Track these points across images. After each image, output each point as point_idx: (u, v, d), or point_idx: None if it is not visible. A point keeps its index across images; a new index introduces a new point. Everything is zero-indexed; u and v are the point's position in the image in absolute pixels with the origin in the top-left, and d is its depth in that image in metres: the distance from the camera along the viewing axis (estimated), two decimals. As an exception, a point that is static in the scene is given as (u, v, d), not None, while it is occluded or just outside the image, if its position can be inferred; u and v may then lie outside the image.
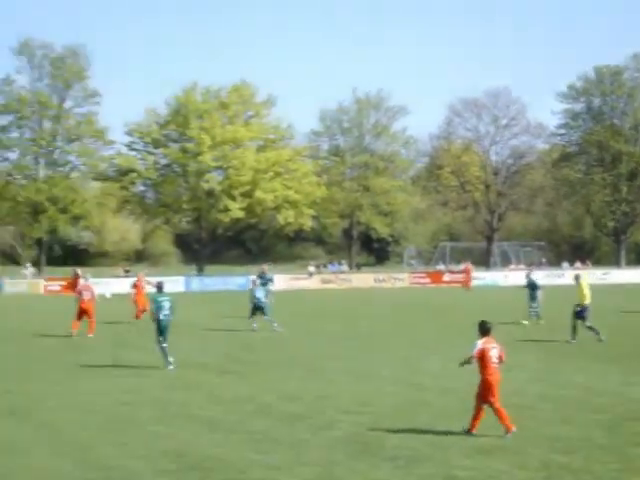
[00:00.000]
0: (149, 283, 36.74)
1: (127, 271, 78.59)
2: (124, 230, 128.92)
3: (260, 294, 34.12)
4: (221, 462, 12.92)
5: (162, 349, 23.08)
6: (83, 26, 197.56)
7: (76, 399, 18.23)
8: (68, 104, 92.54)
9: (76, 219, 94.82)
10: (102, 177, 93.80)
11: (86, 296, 31.96)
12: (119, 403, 17.81)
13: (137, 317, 36.94)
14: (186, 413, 16.76)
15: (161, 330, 23.09)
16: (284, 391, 19.18)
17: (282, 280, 71.82)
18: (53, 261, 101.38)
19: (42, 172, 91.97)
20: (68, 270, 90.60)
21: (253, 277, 36.05)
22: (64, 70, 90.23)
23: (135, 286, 38.07)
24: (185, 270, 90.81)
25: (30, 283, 69.54)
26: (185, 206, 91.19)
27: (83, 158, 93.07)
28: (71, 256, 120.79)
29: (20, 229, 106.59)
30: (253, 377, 21.35)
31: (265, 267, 39.77)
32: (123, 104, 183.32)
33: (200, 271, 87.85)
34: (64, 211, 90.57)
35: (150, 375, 21.73)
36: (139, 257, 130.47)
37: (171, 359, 22.89)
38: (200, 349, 27.64)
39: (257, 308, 33.79)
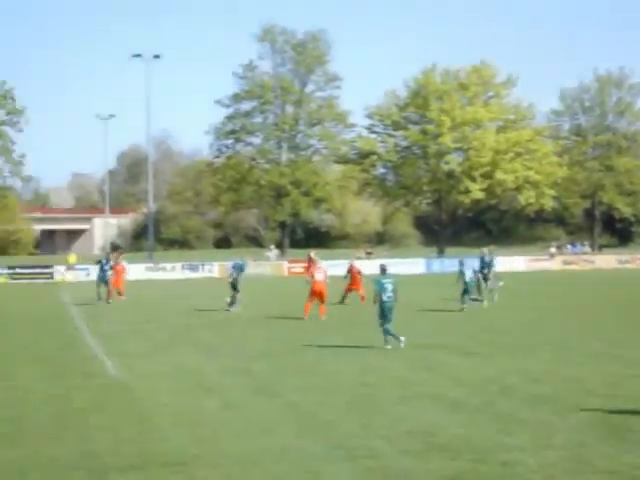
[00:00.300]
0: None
1: (369, 253, 79.34)
2: (365, 212, 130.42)
3: (470, 275, 34.45)
4: (467, 443, 12.66)
5: (384, 331, 23.01)
6: (323, 11, 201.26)
7: (318, 379, 18.41)
8: (310, 88, 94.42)
9: (318, 202, 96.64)
10: (343, 160, 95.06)
11: (319, 278, 31.84)
12: (361, 383, 17.81)
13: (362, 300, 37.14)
14: (429, 394, 16.58)
15: (384, 312, 22.96)
16: (529, 373, 18.70)
17: (522, 262, 70.79)
18: (295, 243, 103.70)
19: (284, 156, 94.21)
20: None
21: (461, 259, 35.96)
22: (305, 55, 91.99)
23: (349, 271, 38.33)
24: (425, 252, 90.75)
25: (273, 265, 71.33)
26: (425, 188, 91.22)
27: (324, 141, 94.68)
28: (313, 238, 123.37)
29: (263, 212, 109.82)
30: (496, 358, 20.94)
31: (485, 250, 39.34)
32: (363, 87, 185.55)
33: (440, 253, 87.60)
34: (306, 194, 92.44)
35: (390, 356, 21.71)
36: (380, 239, 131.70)
37: (402, 337, 22.77)
38: (440, 330, 27.45)
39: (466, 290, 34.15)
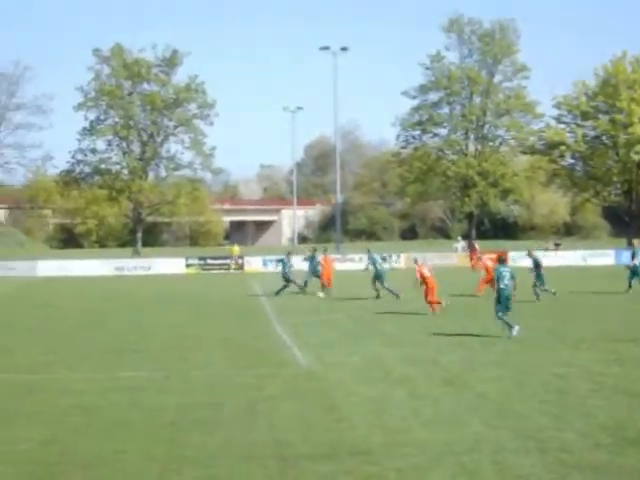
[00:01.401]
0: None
1: (557, 245, 77.78)
2: (553, 203, 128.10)
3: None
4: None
5: (499, 318, 23.47)
6: (510, 1, 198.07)
7: (508, 370, 18.15)
8: (497, 79, 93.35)
9: (505, 193, 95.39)
10: (531, 150, 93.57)
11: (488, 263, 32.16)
12: (553, 375, 17.52)
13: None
14: (621, 387, 16.16)
15: (501, 299, 23.52)
16: None
17: None
18: (482, 234, 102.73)
19: (471, 147, 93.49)
20: (499, 243, 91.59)
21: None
22: (493, 45, 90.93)
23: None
24: (615, 243, 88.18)
25: (460, 256, 70.75)
26: (615, 178, 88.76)
27: (512, 132, 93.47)
28: (500, 230, 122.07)
29: (450, 203, 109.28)
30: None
31: (636, 242, 38.11)
32: (550, 76, 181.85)
33: (630, 244, 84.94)
34: (494, 185, 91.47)
35: (579, 348, 21.23)
36: (568, 230, 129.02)
37: (515, 327, 23.12)
38: (631, 323, 26.60)
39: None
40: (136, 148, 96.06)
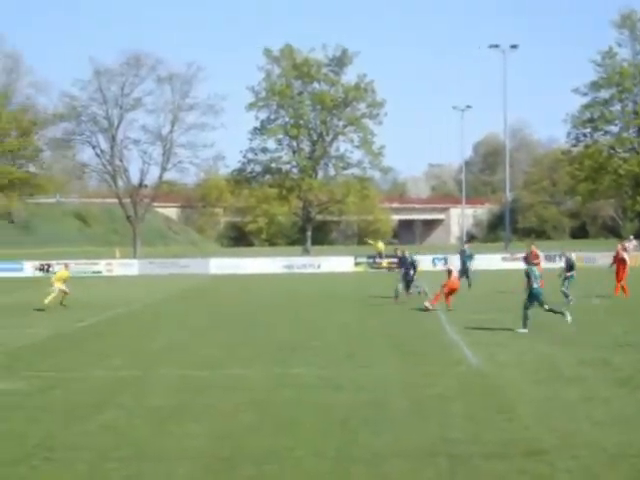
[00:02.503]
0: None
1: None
2: None
3: None
4: None
5: (524, 314, 25.15)
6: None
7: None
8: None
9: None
10: None
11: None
12: None
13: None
14: None
15: (531, 298, 25.09)
16: None
17: None
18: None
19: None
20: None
21: None
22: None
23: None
24: None
25: (632, 256, 68.47)
26: None
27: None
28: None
29: (621, 202, 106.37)
30: None
31: None
32: None
33: None
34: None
35: None
36: None
37: (524, 328, 24.79)
38: None
39: None
40: (306, 147, 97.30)
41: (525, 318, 25.07)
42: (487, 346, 21.95)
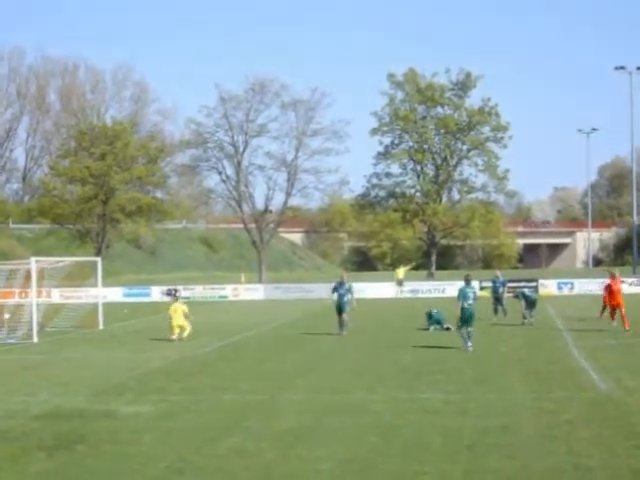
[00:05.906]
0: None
1: None
2: None
3: None
4: None
5: (460, 334, 26.44)
6: None
7: None
8: None
9: None
10: None
11: None
12: None
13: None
14: None
15: (464, 317, 26.09)
16: None
17: None
18: None
19: None
20: None
21: None
22: None
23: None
24: None
25: None
26: None
27: None
28: None
29: None
30: None
31: None
32: None
33: None
34: None
35: None
36: None
37: (469, 344, 26.18)
38: None
39: None
40: (430, 171, 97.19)
41: (462, 337, 26.15)
42: (615, 371, 21.56)
